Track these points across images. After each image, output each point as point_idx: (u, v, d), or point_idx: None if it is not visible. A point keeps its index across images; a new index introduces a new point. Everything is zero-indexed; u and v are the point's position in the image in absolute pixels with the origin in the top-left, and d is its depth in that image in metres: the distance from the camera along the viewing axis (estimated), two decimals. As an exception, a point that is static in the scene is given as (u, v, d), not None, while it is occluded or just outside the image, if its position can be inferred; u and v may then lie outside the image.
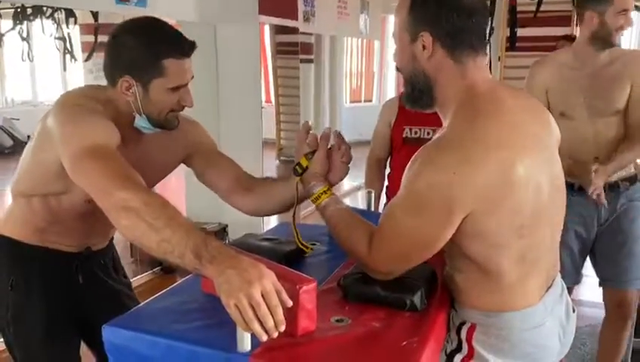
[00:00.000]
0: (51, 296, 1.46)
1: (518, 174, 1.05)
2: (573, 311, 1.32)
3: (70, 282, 1.50)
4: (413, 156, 1.11)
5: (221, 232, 3.84)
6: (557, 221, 1.24)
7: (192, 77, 1.34)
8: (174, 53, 1.27)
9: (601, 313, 3.15)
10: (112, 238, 1.65)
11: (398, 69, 1.23)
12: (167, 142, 1.45)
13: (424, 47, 1.12)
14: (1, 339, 1.57)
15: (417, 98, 1.19)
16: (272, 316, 0.93)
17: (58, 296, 1.47)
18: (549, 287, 1.23)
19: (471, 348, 1.18)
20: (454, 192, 1.04)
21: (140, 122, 1.34)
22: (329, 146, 1.34)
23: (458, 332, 1.21)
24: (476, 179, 1.04)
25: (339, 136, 1.36)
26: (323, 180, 1.32)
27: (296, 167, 1.33)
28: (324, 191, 1.29)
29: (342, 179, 1.36)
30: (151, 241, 1.02)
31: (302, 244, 1.47)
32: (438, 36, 1.11)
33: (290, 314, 1.01)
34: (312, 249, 1.52)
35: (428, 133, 2.26)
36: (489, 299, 1.18)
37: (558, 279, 1.28)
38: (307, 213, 4.26)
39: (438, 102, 1.17)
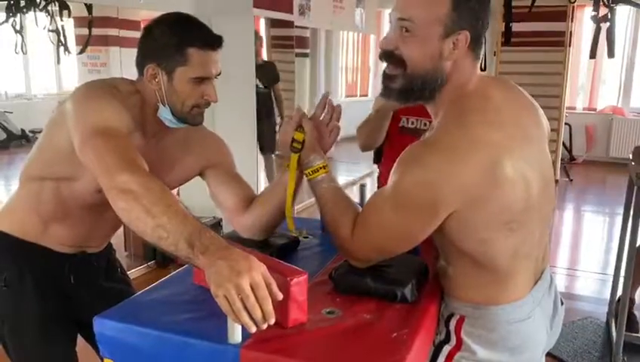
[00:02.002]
0: (44, 294, 1.45)
1: (506, 172, 1.05)
2: (562, 303, 1.33)
3: (62, 282, 1.49)
4: (402, 153, 1.10)
5: (216, 226, 3.83)
6: (546, 214, 1.24)
7: (219, 73, 1.34)
8: (198, 42, 1.28)
9: (592, 306, 3.18)
10: (110, 243, 1.64)
11: (390, 59, 1.12)
12: (188, 150, 1.47)
13: (454, 46, 1.08)
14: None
15: (419, 96, 1.13)
16: (261, 308, 0.93)
17: (51, 294, 1.46)
18: (538, 280, 1.23)
19: (459, 340, 1.19)
20: (440, 191, 1.04)
21: (164, 113, 1.34)
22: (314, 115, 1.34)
23: (447, 324, 1.22)
24: (462, 179, 1.03)
25: (325, 96, 1.34)
26: (322, 154, 1.30)
27: (294, 143, 1.30)
28: (323, 167, 1.28)
29: (334, 143, 1.35)
30: (146, 226, 1.02)
31: (293, 226, 1.43)
32: (474, 37, 1.08)
33: (281, 306, 1.01)
34: (300, 234, 1.52)
35: (425, 125, 2.24)
36: (480, 292, 1.18)
37: (547, 272, 1.28)
38: (300, 207, 4.26)
39: (436, 100, 1.14)
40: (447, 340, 1.20)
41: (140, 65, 1.33)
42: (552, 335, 1.29)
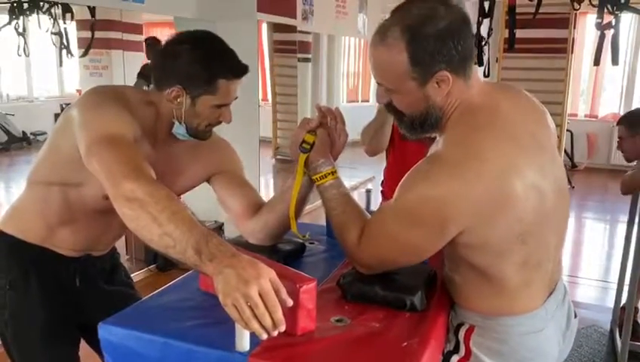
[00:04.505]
0: (49, 297, 1.43)
1: (516, 186, 1.03)
2: (575, 316, 1.30)
3: (67, 285, 1.48)
4: (410, 170, 1.10)
5: (217, 230, 3.83)
6: (561, 224, 1.22)
7: (236, 97, 1.37)
8: (229, 74, 1.31)
9: (594, 314, 3.16)
10: (114, 247, 1.64)
11: (391, 110, 1.16)
12: (197, 156, 1.47)
13: (439, 84, 1.08)
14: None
15: (427, 131, 1.15)
16: (271, 315, 0.92)
17: (56, 297, 1.45)
18: (551, 292, 1.21)
19: (468, 350, 1.17)
20: (448, 208, 1.03)
21: (179, 129, 1.36)
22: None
23: (456, 333, 1.20)
24: (471, 196, 1.02)
25: (335, 109, 1.36)
26: (331, 160, 1.30)
27: (303, 144, 1.31)
28: (332, 173, 1.28)
29: (342, 149, 1.36)
30: (153, 234, 1.01)
31: (295, 224, 1.42)
32: (453, 68, 1.07)
33: (290, 314, 0.99)
34: (306, 236, 1.52)
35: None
36: (489, 303, 1.16)
37: (561, 284, 1.26)
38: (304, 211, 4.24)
39: (443, 125, 1.13)
40: (456, 350, 1.19)
41: (161, 83, 1.32)
42: (564, 349, 1.27)
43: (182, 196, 1.52)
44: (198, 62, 1.28)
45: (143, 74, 5.00)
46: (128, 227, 1.07)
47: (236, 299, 0.90)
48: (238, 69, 1.32)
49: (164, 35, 7.27)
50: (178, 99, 1.30)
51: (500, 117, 1.10)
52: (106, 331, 1.12)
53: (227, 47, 1.34)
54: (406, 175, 1.10)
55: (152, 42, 5.05)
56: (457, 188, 1.02)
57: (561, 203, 1.17)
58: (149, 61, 4.96)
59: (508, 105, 1.14)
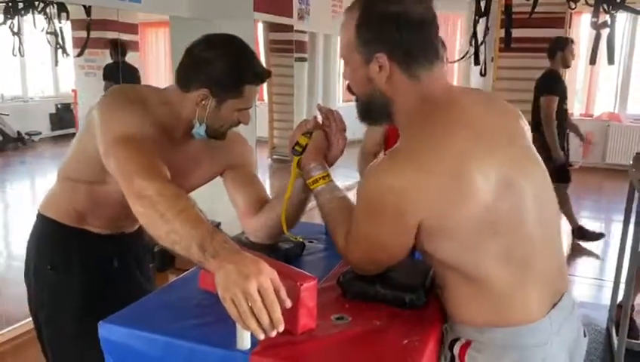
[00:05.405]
0: (89, 278, 1.49)
1: (475, 174, 1.00)
2: (585, 335, 1.21)
3: (106, 265, 1.54)
4: (369, 165, 1.10)
5: (214, 230, 3.80)
6: (549, 219, 1.14)
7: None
8: (254, 79, 1.35)
9: (589, 312, 3.18)
10: (143, 238, 1.68)
11: (350, 91, 1.17)
12: (212, 151, 1.49)
13: (380, 69, 1.08)
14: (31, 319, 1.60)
15: (376, 118, 1.17)
16: (269, 313, 0.92)
17: (95, 278, 1.50)
18: (556, 303, 1.11)
19: None
20: (406, 199, 1.01)
21: (199, 130, 1.38)
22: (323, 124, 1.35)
23: (451, 348, 1.13)
24: (429, 187, 1.00)
25: (336, 112, 1.36)
26: (323, 165, 1.30)
27: (296, 146, 1.31)
28: (323, 177, 1.28)
29: (341, 153, 1.37)
30: (160, 231, 1.06)
31: (289, 225, 1.43)
32: (394, 56, 1.07)
33: (291, 312, 0.99)
34: (298, 239, 1.52)
35: None
36: (482, 312, 1.08)
37: (569, 297, 1.16)
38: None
39: (394, 118, 1.14)
40: None
41: (188, 84, 1.34)
42: None
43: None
44: (228, 69, 1.31)
45: (107, 75, 5.08)
46: (141, 223, 1.12)
47: (235, 293, 0.91)
48: (263, 76, 1.36)
49: (159, 34, 7.26)
50: (204, 102, 1.33)
51: (458, 110, 1.09)
52: (107, 330, 1.11)
53: (252, 53, 1.37)
54: (367, 169, 1.10)
55: (115, 43, 5.08)
56: (412, 178, 1.01)
57: (542, 196, 1.12)
58: (112, 62, 5.06)
59: (470, 101, 1.13)
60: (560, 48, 4.11)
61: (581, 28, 7.03)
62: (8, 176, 6.34)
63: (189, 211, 1.06)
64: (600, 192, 6.71)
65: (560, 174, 3.91)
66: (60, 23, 4.74)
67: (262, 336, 0.93)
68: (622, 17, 6.66)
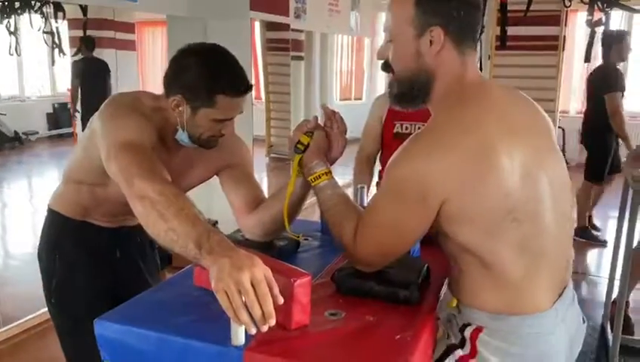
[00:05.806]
0: (94, 267, 1.56)
1: (500, 158, 1.02)
2: (584, 321, 1.26)
3: (109, 256, 1.61)
4: (395, 152, 1.10)
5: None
6: (565, 213, 1.16)
7: (241, 112, 1.39)
8: (228, 91, 1.33)
9: (588, 309, 3.19)
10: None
11: (387, 69, 1.18)
12: (209, 154, 1.50)
13: (431, 42, 1.09)
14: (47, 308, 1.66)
15: (414, 97, 1.16)
16: (261, 306, 0.92)
17: (99, 267, 1.57)
18: (561, 293, 1.16)
19: (474, 348, 1.12)
20: (427, 178, 1.03)
21: (181, 136, 1.41)
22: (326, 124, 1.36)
23: (462, 331, 1.14)
24: (448, 163, 1.01)
25: (337, 114, 1.37)
26: (325, 161, 1.31)
27: (298, 144, 1.32)
28: (325, 173, 1.29)
29: (341, 155, 1.38)
30: (159, 229, 1.08)
31: (288, 222, 1.42)
32: (449, 30, 1.08)
33: (285, 308, 1.00)
34: (299, 237, 1.53)
35: (419, 128, 2.26)
36: (496, 299, 1.10)
37: (570, 287, 1.21)
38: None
39: (432, 98, 1.15)
40: (461, 346, 1.14)
41: (168, 90, 1.37)
42: (571, 356, 1.21)
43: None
44: (200, 75, 1.32)
45: (75, 73, 5.18)
46: (141, 223, 1.14)
47: (228, 284, 0.92)
48: (238, 86, 1.34)
49: (156, 33, 7.26)
50: (179, 108, 1.35)
51: (489, 97, 1.11)
52: (102, 327, 1.12)
53: (233, 63, 1.36)
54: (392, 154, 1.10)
55: (85, 40, 5.06)
56: (434, 155, 1.02)
57: (561, 191, 1.14)
58: (81, 56, 5.13)
59: (500, 93, 1.15)
60: (616, 41, 3.91)
61: (577, 26, 7.04)
62: (5, 175, 6.33)
63: (188, 211, 1.08)
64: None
65: (594, 173, 3.98)
66: (56, 22, 4.74)
67: (253, 330, 0.94)
68: (616, 15, 6.67)
